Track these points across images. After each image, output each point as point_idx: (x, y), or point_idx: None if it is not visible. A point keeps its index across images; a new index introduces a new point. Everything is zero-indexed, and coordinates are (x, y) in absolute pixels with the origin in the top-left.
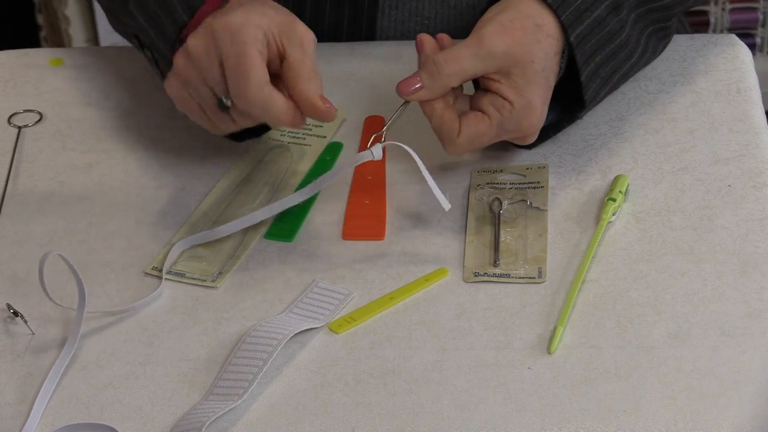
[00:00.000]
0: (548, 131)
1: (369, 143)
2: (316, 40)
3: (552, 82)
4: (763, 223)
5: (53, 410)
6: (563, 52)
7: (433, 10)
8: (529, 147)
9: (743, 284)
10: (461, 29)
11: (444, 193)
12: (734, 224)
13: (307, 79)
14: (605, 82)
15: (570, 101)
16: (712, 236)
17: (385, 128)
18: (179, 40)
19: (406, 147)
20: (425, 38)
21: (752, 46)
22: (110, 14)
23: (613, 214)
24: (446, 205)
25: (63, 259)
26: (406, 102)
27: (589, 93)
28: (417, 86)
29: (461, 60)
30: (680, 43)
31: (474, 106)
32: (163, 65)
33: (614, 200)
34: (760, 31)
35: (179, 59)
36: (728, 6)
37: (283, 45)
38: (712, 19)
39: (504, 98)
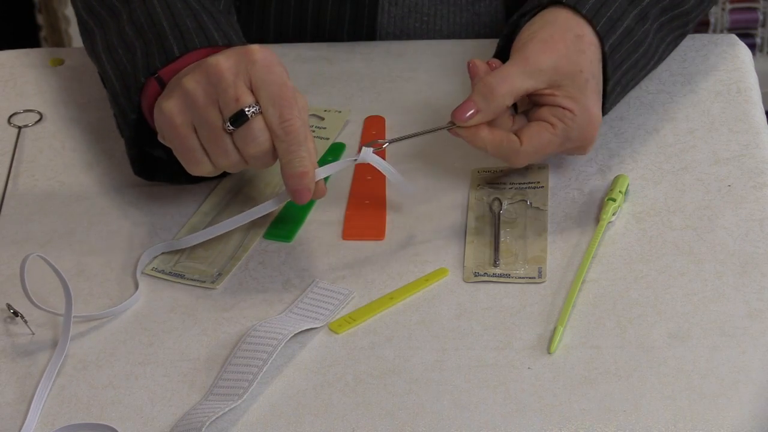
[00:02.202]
0: None
1: (363, 146)
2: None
3: (600, 88)
4: (763, 223)
5: (53, 410)
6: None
7: (432, 6)
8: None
9: (743, 284)
10: (461, 26)
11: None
12: (734, 224)
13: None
14: (623, 90)
15: None
16: (712, 236)
17: (389, 142)
18: (157, 78)
19: (375, 159)
20: (478, 63)
21: (752, 46)
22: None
23: (613, 214)
24: (410, 190)
25: (46, 262)
26: (452, 124)
27: (609, 101)
28: (472, 111)
29: (511, 79)
30: (680, 43)
31: (533, 119)
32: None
33: (614, 200)
34: (760, 31)
35: (191, 79)
36: (728, 6)
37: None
38: (712, 19)
39: (564, 108)
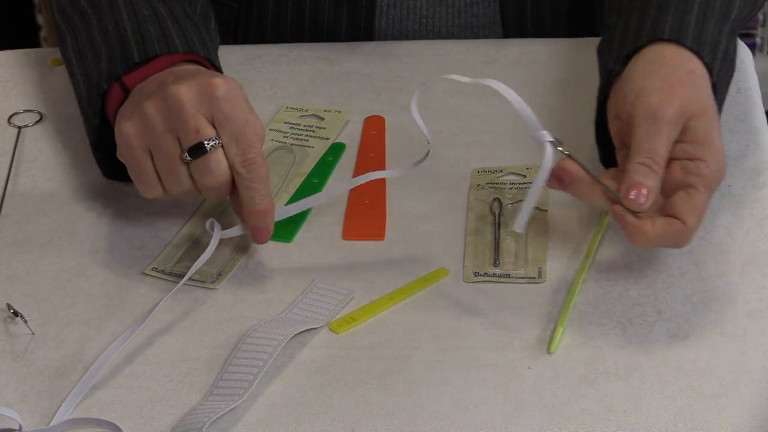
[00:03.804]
0: None
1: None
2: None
3: (718, 117)
4: (763, 223)
5: (52, 410)
6: None
7: (431, 8)
8: None
9: (743, 284)
10: (459, 27)
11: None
12: (734, 224)
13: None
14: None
15: None
16: (712, 236)
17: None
18: (121, 84)
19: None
20: (568, 166)
21: (752, 46)
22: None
23: None
24: (519, 228)
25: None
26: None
27: None
28: (646, 193)
29: (660, 146)
30: None
31: (672, 189)
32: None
33: None
34: (760, 31)
35: (152, 104)
36: None
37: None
38: None
39: (693, 159)
